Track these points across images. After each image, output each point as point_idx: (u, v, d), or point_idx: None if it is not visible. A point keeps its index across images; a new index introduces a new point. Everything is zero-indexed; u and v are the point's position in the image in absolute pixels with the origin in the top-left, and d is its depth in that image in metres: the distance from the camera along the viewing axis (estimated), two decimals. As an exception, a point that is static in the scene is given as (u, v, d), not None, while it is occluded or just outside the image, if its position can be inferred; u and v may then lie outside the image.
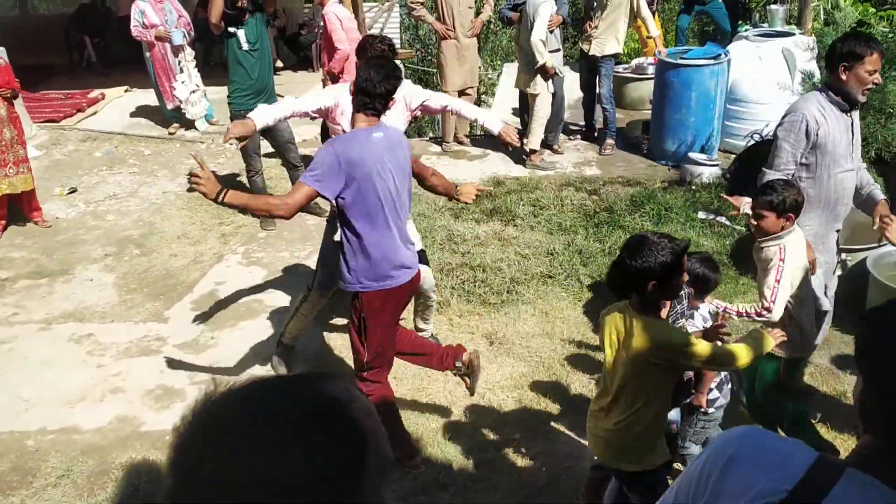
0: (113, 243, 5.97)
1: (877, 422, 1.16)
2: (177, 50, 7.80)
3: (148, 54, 7.91)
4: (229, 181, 6.99)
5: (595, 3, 7.15)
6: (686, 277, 2.61)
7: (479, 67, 7.69)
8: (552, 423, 3.80)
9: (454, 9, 7.15)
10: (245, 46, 5.75)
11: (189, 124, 8.31)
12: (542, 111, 6.95)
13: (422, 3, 7.30)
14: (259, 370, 4.27)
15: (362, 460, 0.91)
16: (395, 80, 3.20)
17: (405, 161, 3.27)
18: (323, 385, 0.97)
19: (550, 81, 6.86)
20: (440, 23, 7.21)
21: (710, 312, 3.25)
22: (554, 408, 3.90)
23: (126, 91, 9.77)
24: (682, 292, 3.08)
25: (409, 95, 3.99)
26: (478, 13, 7.56)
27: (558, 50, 7.03)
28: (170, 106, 8.11)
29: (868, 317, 1.26)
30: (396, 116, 3.87)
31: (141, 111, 8.97)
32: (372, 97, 3.16)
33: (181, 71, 7.89)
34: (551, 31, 6.75)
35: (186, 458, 0.88)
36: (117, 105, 9.35)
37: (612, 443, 2.69)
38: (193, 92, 8.00)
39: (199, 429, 0.89)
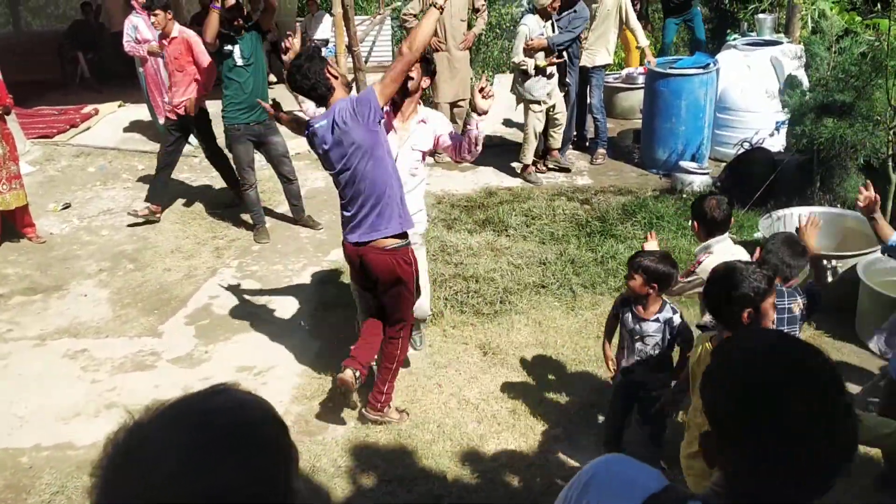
0: (107, 258, 5.98)
1: (715, 455, 1.15)
2: (169, 65, 7.83)
3: (141, 69, 7.94)
4: (223, 195, 7.01)
5: (585, 15, 7.21)
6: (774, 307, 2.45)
7: (471, 79, 7.73)
8: (546, 434, 3.80)
9: (446, 22, 7.19)
10: (239, 62, 5.80)
11: (182, 139, 8.31)
12: (529, 128, 6.97)
13: (414, 16, 7.35)
14: (252, 384, 4.28)
15: (292, 454, 0.97)
16: (310, 63, 3.46)
17: (357, 136, 3.36)
18: (239, 392, 1.00)
19: (542, 106, 6.79)
20: (432, 35, 7.22)
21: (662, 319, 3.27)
22: (548, 418, 3.91)
23: (119, 106, 9.78)
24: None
25: (439, 125, 3.96)
26: (470, 26, 7.61)
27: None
28: (162, 121, 8.11)
29: (712, 353, 1.27)
30: (426, 139, 3.92)
31: (134, 126, 8.98)
32: (305, 91, 3.53)
33: (174, 86, 7.91)
34: (530, 56, 6.59)
35: (104, 486, 0.88)
36: (111, 120, 9.36)
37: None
38: (186, 106, 8.01)
39: (118, 456, 0.89)
